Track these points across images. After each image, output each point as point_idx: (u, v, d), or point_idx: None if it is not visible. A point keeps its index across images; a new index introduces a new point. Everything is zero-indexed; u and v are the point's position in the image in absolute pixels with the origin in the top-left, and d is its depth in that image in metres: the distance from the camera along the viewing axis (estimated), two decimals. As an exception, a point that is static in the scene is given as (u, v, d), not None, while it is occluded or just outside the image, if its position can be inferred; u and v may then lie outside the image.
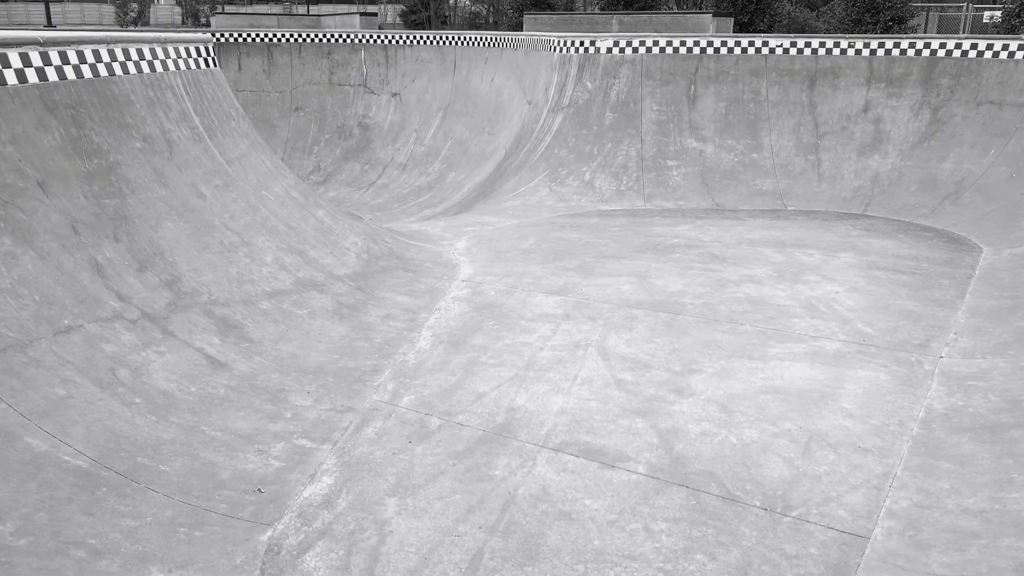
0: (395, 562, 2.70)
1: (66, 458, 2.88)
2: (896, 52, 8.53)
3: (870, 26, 18.13)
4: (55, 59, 4.09)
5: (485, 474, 3.24)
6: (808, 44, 8.93)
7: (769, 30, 23.93)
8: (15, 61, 3.86)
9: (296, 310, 4.59)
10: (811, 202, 8.11)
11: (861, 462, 3.29)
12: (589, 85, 9.39)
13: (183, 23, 44.04)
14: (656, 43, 9.24)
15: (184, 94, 5.12)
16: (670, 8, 25.38)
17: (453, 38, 12.22)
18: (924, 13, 23.28)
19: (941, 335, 4.64)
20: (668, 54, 9.19)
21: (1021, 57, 7.85)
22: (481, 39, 11.85)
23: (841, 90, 8.71)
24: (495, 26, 34.29)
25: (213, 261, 4.49)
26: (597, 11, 27.36)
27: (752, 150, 8.74)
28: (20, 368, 3.13)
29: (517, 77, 10.95)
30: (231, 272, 4.54)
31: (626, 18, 17.75)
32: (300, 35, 13.17)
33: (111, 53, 4.50)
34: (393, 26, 36.72)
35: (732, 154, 8.75)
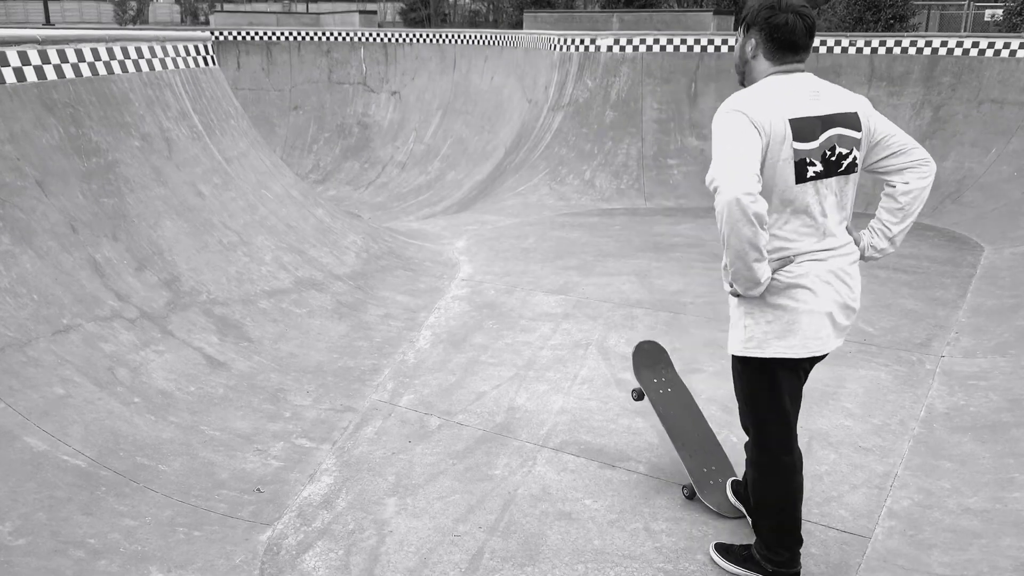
0: (395, 562, 2.69)
1: (65, 457, 2.87)
2: (897, 51, 8.51)
3: (871, 24, 18.09)
4: (54, 58, 4.08)
5: (485, 474, 3.23)
6: (809, 42, 8.89)
7: (769, 28, 23.77)
8: (13, 60, 3.85)
9: (295, 309, 4.58)
10: (811, 201, 8.08)
11: (862, 461, 3.29)
12: (589, 83, 9.37)
13: (182, 21, 44.02)
14: (657, 41, 9.22)
15: (183, 93, 5.11)
16: (671, 6, 25.36)
17: (453, 36, 12.20)
18: (925, 11, 23.24)
19: (942, 334, 4.63)
20: (669, 52, 9.17)
21: (1022, 56, 7.84)
22: (481, 37, 11.83)
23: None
24: (495, 24, 34.27)
25: (212, 260, 4.48)
26: (597, 9, 27.33)
27: (752, 148, 8.72)
28: (19, 367, 3.12)
29: (517, 75, 10.93)
30: (230, 271, 4.53)
31: (626, 16, 17.73)
32: (299, 33, 13.15)
33: (110, 52, 4.49)
34: (392, 24, 36.69)
35: (732, 153, 8.73)
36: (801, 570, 2.53)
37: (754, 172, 2.06)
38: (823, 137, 2.20)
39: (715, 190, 2.08)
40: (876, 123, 2.31)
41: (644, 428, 3.58)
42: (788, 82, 2.23)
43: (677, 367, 4.14)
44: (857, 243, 2.41)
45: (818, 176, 2.21)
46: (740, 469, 2.99)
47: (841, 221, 2.32)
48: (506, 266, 6.01)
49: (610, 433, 3.54)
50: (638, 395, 3.24)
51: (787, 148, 2.16)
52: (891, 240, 2.40)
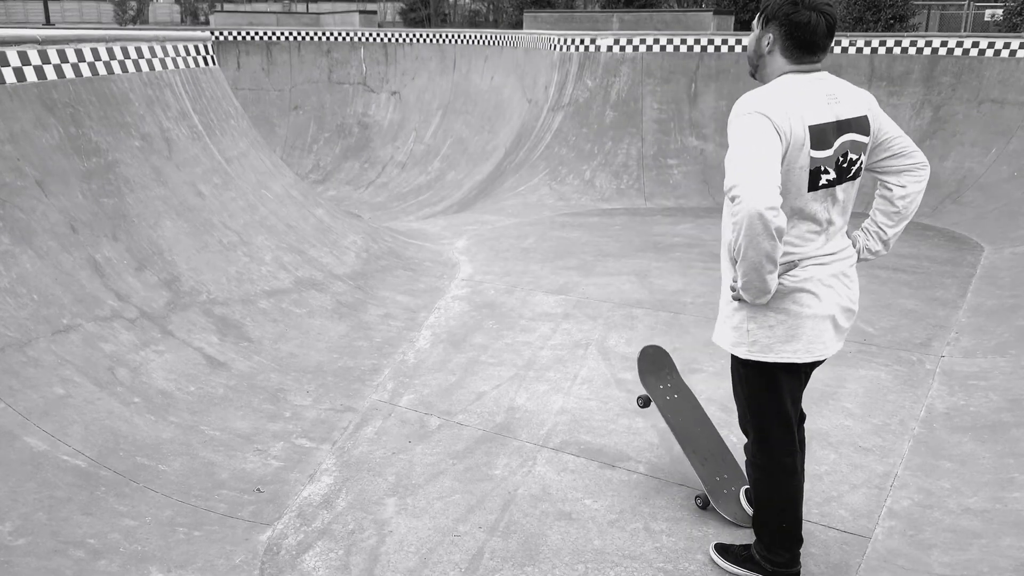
0: (395, 562, 2.69)
1: (65, 457, 2.87)
2: (897, 51, 8.52)
3: (871, 24, 18.08)
4: (54, 58, 4.08)
5: (485, 474, 3.23)
6: (809, 42, 8.90)
7: (769, 28, 23.72)
8: (13, 60, 3.85)
9: (295, 309, 4.58)
10: (812, 201, 8.08)
11: (862, 462, 3.29)
12: (589, 83, 9.37)
13: (182, 21, 44.01)
14: (657, 41, 9.22)
15: (183, 92, 5.11)
16: (671, 6, 25.35)
17: (453, 36, 12.21)
18: (925, 11, 23.24)
19: (942, 334, 4.63)
20: (669, 52, 9.17)
21: (1022, 56, 7.84)
22: (481, 37, 11.84)
23: (842, 88, 8.69)
24: (495, 24, 34.25)
25: (212, 260, 4.48)
26: (597, 9, 27.32)
27: (752, 148, 8.73)
28: (19, 367, 3.12)
29: (517, 75, 10.93)
30: (230, 271, 4.53)
31: (626, 16, 17.73)
32: (299, 33, 13.15)
33: (110, 52, 4.49)
34: (392, 24, 36.68)
35: (732, 152, 8.73)
36: (801, 570, 2.53)
37: (777, 183, 1.97)
38: (837, 144, 2.14)
39: (735, 199, 1.98)
40: (881, 123, 2.27)
41: (644, 428, 3.58)
42: (805, 83, 2.14)
43: (677, 367, 4.14)
44: (853, 245, 2.39)
45: (830, 184, 2.16)
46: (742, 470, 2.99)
47: (843, 225, 2.29)
48: (506, 266, 6.01)
49: (610, 433, 3.54)
50: (644, 402, 3.19)
51: (804, 156, 2.09)
52: (885, 243, 2.40)
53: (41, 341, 3.30)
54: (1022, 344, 4.29)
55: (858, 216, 2.36)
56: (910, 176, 2.30)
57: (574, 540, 2.80)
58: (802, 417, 2.57)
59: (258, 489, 3.08)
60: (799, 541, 2.49)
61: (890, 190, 2.32)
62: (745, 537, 2.73)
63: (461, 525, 2.89)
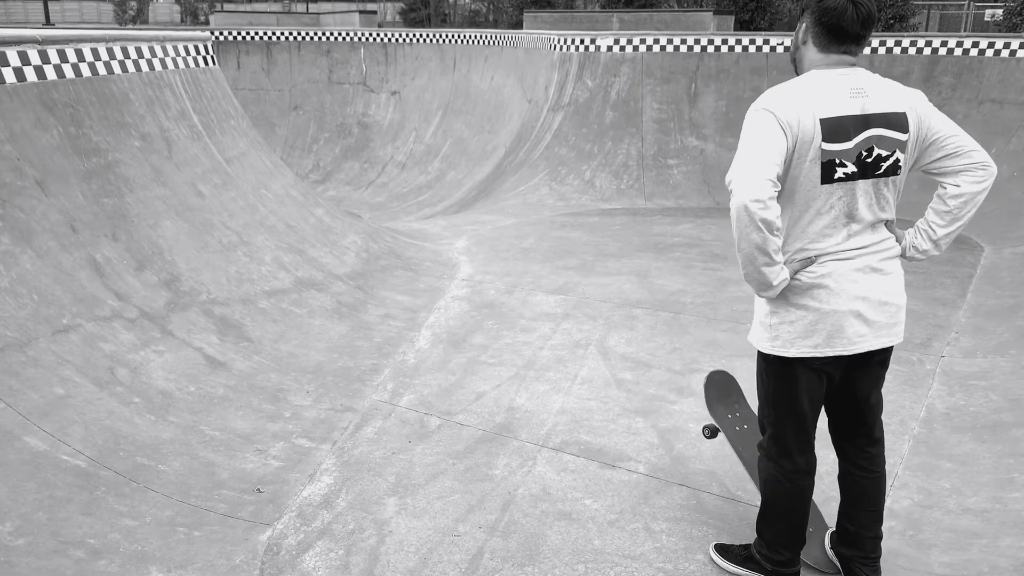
0: (395, 562, 2.69)
1: (65, 458, 2.87)
2: (897, 51, 8.52)
3: (871, 24, 18.10)
4: (54, 58, 4.08)
5: (485, 474, 3.23)
6: (809, 42, 8.89)
7: (770, 28, 23.87)
8: (13, 60, 3.85)
9: (295, 309, 4.58)
10: (811, 201, 8.08)
11: (862, 462, 3.28)
12: (589, 83, 9.37)
13: (182, 21, 43.99)
14: (657, 41, 9.22)
15: (183, 93, 5.11)
16: (671, 6, 25.35)
17: (453, 36, 12.21)
18: (925, 11, 23.25)
19: (942, 334, 4.63)
20: (669, 52, 9.18)
21: (1022, 56, 7.84)
22: (481, 37, 11.84)
23: (842, 88, 8.69)
24: (495, 24, 34.24)
25: (212, 260, 4.48)
26: (597, 9, 27.31)
27: (752, 148, 8.72)
28: (19, 367, 3.12)
29: (517, 75, 10.93)
30: (230, 271, 4.53)
31: (626, 16, 17.73)
32: (299, 33, 13.15)
33: (110, 52, 4.49)
34: (393, 24, 36.67)
35: (733, 152, 8.72)
36: (801, 570, 2.53)
37: (768, 177, 2.01)
38: (859, 138, 2.10)
39: (730, 193, 2.06)
40: (932, 122, 2.18)
41: (644, 428, 3.58)
42: (829, 78, 2.12)
43: (677, 367, 4.14)
44: (898, 240, 2.31)
45: (849, 177, 2.12)
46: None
47: (875, 222, 2.21)
48: (506, 266, 6.01)
49: (610, 433, 3.54)
50: (711, 432, 2.94)
51: (815, 148, 2.08)
52: (935, 243, 2.28)
53: (41, 341, 3.30)
54: (1022, 344, 4.29)
55: (900, 223, 2.29)
56: (968, 176, 2.20)
57: (574, 540, 2.80)
58: (875, 418, 2.44)
59: (258, 489, 3.08)
60: (802, 542, 2.48)
61: (945, 189, 2.23)
62: (745, 537, 2.74)
63: (461, 525, 2.89)
